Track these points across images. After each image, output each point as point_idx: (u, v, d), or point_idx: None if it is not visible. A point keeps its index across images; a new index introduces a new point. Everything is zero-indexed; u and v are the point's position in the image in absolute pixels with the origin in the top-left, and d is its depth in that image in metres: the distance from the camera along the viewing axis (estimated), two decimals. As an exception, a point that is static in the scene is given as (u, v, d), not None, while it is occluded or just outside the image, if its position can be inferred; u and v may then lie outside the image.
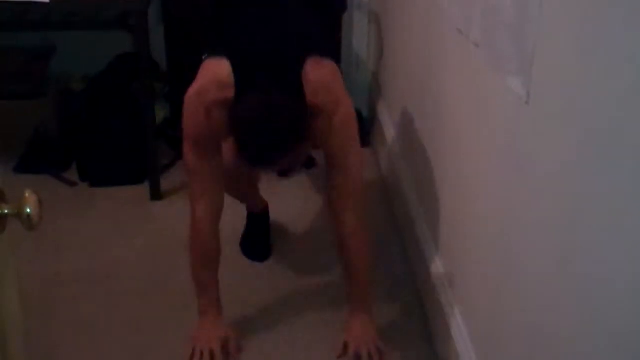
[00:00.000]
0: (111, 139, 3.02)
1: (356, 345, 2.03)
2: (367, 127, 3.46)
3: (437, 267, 2.10)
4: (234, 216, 2.47)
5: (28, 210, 0.93)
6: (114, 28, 3.01)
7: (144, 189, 2.99)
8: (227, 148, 1.98)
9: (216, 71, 1.85)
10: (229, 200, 2.11)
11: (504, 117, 1.49)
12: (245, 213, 2.61)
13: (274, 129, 1.71)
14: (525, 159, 1.35)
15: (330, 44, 2.66)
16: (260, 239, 2.59)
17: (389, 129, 2.99)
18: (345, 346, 2.05)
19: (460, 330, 1.83)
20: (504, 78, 1.43)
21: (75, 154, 3.14)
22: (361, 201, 2.01)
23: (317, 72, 1.84)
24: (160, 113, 3.32)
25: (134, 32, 2.77)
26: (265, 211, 2.64)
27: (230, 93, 1.80)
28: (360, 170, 1.98)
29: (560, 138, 1.18)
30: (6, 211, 0.94)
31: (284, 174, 3.03)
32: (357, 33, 3.56)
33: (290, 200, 2.93)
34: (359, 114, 3.52)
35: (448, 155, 2.02)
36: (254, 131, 1.74)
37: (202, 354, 2.00)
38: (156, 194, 2.94)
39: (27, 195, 0.95)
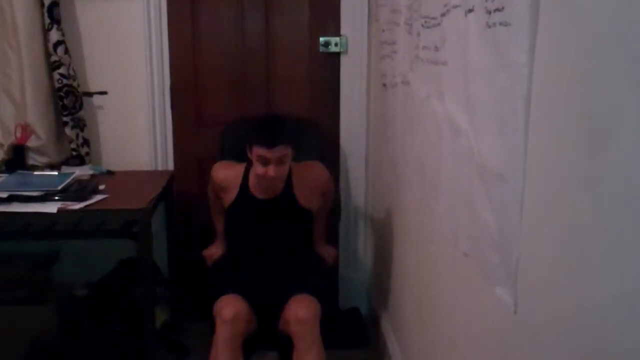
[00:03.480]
0: (111, 344, 3.02)
1: None
2: (366, 326, 3.47)
3: None
4: None
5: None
6: (117, 236, 3.11)
7: (141, 395, 2.94)
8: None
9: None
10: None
11: (494, 326, 1.52)
12: None
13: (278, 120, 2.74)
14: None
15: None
16: None
17: (388, 330, 3.00)
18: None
19: None
20: (493, 287, 1.48)
21: (74, 359, 3.12)
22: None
23: None
24: (161, 317, 3.33)
25: (137, 240, 2.86)
26: None
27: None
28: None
29: (549, 349, 1.21)
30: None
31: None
32: (355, 235, 3.66)
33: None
34: (357, 312, 3.57)
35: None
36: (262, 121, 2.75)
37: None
38: (154, 399, 2.89)
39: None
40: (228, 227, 2.93)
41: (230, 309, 2.57)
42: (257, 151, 2.63)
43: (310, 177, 2.88)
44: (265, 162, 2.62)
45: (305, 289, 2.71)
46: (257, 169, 2.66)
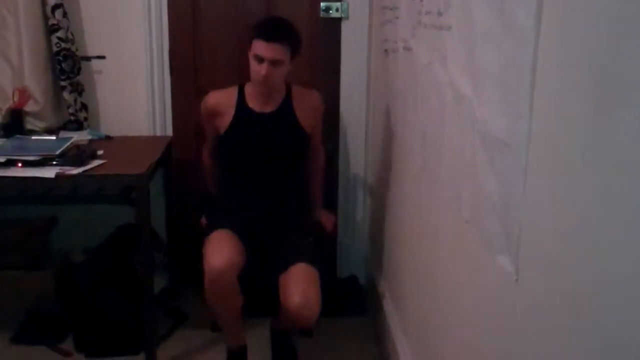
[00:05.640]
0: (109, 309, 3.02)
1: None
2: (364, 296, 3.47)
3: None
4: None
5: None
6: (115, 202, 3.10)
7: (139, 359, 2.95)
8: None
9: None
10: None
11: (495, 295, 1.51)
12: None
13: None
14: (517, 339, 1.37)
15: None
16: None
17: (386, 297, 3.00)
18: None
19: None
20: (494, 256, 1.47)
21: (72, 325, 3.12)
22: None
23: None
24: (159, 282, 3.34)
25: (135, 206, 2.85)
26: (243, 351, 2.79)
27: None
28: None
29: (550, 318, 1.20)
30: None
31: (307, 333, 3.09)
32: (354, 203, 3.65)
33: None
34: (355, 281, 3.58)
35: (448, 337, 2.02)
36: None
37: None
38: (152, 365, 2.90)
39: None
40: (226, 147, 2.86)
41: (217, 258, 2.52)
42: (255, 46, 2.59)
43: (307, 100, 2.88)
44: (260, 60, 2.59)
45: (304, 257, 2.67)
46: (252, 66, 2.63)
